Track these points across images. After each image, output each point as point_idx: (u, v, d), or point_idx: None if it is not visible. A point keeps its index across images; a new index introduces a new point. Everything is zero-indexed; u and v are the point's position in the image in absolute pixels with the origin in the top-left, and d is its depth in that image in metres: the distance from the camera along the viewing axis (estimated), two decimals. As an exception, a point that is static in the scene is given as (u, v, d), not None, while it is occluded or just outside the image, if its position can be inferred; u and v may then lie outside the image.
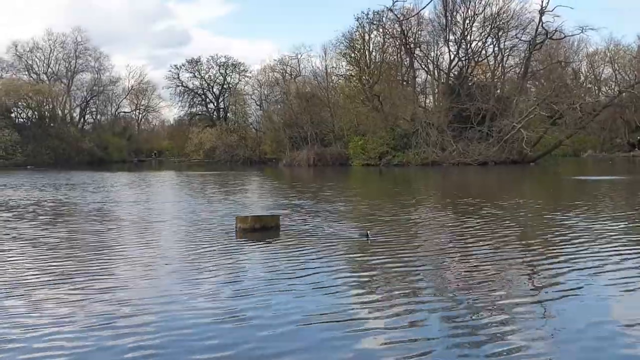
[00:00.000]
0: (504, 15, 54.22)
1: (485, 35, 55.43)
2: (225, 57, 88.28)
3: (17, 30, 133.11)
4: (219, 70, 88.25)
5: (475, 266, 8.16)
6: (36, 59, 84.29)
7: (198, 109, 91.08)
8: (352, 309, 6.08)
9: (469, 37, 55.87)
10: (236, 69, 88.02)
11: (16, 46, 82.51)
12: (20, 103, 76.61)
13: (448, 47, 56.71)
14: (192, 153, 79.33)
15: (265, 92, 76.02)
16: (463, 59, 56.63)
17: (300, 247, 9.77)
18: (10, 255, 9.34)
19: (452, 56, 56.62)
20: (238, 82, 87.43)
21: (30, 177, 36.48)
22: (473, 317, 5.77)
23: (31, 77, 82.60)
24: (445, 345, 5.00)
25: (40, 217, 14.91)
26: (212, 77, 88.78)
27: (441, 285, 7.23)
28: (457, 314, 5.90)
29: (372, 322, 5.64)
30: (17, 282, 7.38)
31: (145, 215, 15.09)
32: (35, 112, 78.45)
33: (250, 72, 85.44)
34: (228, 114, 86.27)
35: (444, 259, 8.81)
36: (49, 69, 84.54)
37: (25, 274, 7.88)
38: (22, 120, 78.30)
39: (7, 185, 28.56)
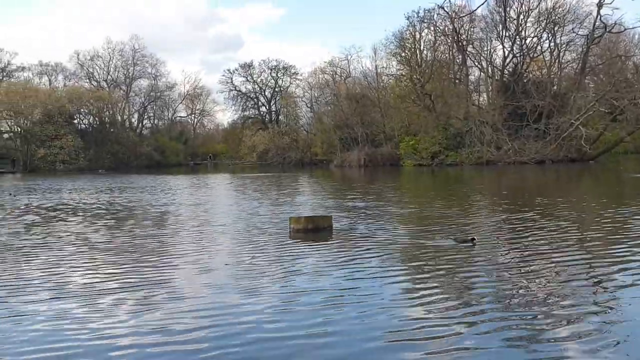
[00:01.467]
0: (560, 9, 52.72)
1: (541, 31, 54.00)
2: (276, 60, 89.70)
3: (78, 39, 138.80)
4: (271, 73, 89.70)
5: (546, 272, 7.93)
6: (96, 67, 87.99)
7: (251, 112, 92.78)
8: (411, 316, 6.01)
9: (523, 32, 54.57)
10: (287, 72, 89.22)
11: (78, 55, 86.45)
12: (82, 109, 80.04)
13: (502, 43, 55.53)
14: (246, 155, 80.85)
15: (316, 94, 76.71)
16: (517, 55, 55.30)
17: (353, 249, 9.77)
18: (76, 259, 9.72)
19: (506, 52, 55.44)
20: (289, 85, 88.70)
21: (104, 181, 38.26)
22: (536, 325, 5.64)
23: (92, 84, 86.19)
24: (512, 356, 4.88)
25: (108, 219, 15.57)
26: (264, 81, 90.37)
27: (510, 293, 6.97)
28: (525, 323, 5.73)
29: (433, 330, 5.50)
30: (82, 287, 7.63)
31: (204, 217, 15.54)
32: (96, 118, 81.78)
33: (300, 75, 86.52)
34: (280, 117, 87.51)
35: (513, 266, 8.43)
36: (109, 76, 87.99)
37: (91, 278, 8.16)
38: (84, 126, 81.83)
39: (74, 189, 29.96)
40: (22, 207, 19.34)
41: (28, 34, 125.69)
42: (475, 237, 10.10)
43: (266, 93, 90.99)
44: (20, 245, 11.03)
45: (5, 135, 75.71)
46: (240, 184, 33.67)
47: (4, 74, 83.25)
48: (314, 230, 11.62)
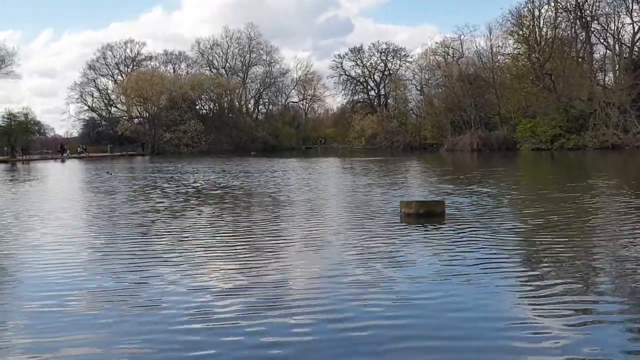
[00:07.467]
0: (703, -24, 47.53)
1: (679, 1, 49.13)
2: (386, 43, 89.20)
3: (197, 28, 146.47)
4: (380, 57, 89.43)
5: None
6: (216, 55, 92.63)
7: (360, 96, 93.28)
8: (525, 307, 5.79)
9: (658, 4, 49.98)
10: (397, 55, 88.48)
11: (199, 44, 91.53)
12: (203, 96, 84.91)
13: (631, 18, 51.31)
14: (355, 140, 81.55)
15: (426, 76, 75.46)
16: (650, 30, 50.82)
17: (466, 236, 9.56)
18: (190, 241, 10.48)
19: (636, 28, 51.10)
20: (399, 68, 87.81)
21: (257, 163, 40.77)
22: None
23: (212, 71, 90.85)
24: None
25: (237, 202, 16.67)
26: (373, 65, 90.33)
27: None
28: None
29: (543, 327, 5.15)
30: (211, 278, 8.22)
31: (316, 200, 16.13)
32: (216, 104, 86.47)
33: (411, 57, 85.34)
34: (389, 100, 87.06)
35: None
36: (227, 64, 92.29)
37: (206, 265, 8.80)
38: (204, 111, 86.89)
39: (223, 171, 32.15)
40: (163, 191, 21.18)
41: (155, 24, 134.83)
42: None
43: (375, 77, 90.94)
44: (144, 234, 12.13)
45: (136, 120, 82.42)
46: (350, 167, 34.24)
47: (134, 63, 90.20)
48: (426, 215, 11.66)
